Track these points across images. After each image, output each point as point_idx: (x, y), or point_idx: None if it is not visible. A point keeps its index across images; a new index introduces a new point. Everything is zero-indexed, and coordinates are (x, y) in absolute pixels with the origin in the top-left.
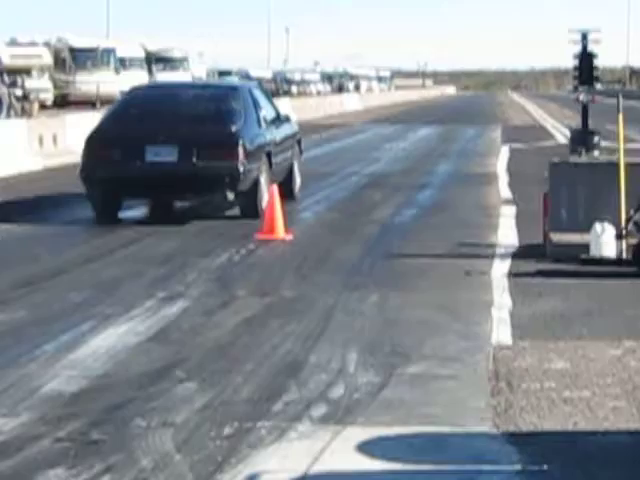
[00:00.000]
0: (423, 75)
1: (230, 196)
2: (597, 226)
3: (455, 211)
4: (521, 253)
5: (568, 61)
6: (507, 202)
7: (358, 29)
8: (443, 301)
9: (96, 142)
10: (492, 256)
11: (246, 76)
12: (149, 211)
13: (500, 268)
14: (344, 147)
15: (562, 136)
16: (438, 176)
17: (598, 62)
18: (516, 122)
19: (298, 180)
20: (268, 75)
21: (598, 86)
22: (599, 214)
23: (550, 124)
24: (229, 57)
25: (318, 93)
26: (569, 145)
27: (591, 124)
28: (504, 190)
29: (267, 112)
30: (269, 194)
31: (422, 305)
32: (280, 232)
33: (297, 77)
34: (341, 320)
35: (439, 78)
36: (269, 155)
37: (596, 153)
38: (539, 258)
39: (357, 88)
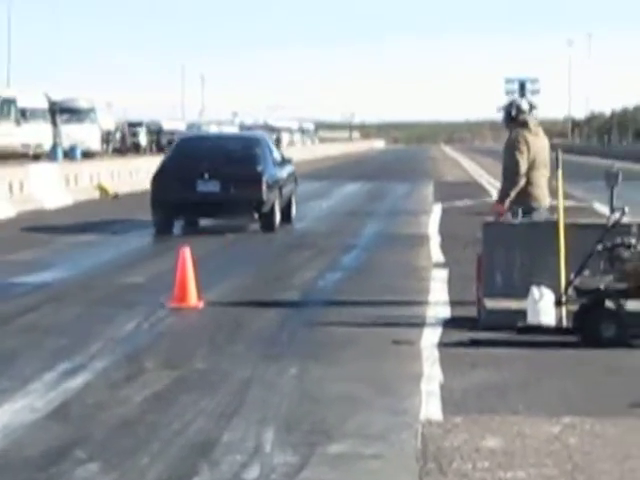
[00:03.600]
0: (350, 127)
1: (255, 216)
2: (534, 291)
3: (383, 275)
4: (453, 321)
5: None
6: (439, 265)
7: (279, 77)
8: (368, 373)
9: (160, 177)
10: (422, 324)
11: (159, 128)
12: (51, 272)
13: (430, 337)
14: None
15: (496, 192)
16: (365, 237)
17: (538, 113)
18: (449, 178)
19: (294, 207)
20: (182, 127)
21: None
22: (537, 278)
23: (485, 180)
24: (140, 107)
25: None
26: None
27: None
28: (435, 252)
29: (276, 155)
30: (180, 258)
31: (345, 378)
32: (192, 299)
33: (214, 129)
34: (257, 395)
35: (367, 130)
36: (280, 188)
37: (536, 215)
38: (472, 326)
39: (278, 142)
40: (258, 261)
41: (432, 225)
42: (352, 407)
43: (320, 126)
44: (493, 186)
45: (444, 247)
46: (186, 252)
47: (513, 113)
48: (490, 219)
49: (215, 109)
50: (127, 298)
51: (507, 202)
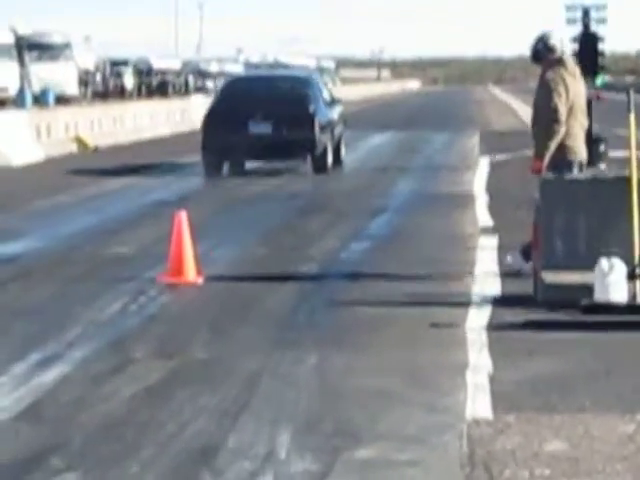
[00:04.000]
0: (378, 65)
1: (308, 158)
2: (603, 262)
3: (419, 244)
4: (505, 299)
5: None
6: (487, 231)
7: (293, 4)
8: (402, 363)
9: (211, 120)
10: (467, 303)
11: (148, 67)
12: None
13: (477, 319)
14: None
15: None
16: (397, 197)
17: (604, 47)
18: (499, 126)
19: (344, 148)
20: (176, 66)
21: (605, 78)
22: (606, 247)
23: None
24: (125, 42)
25: None
26: None
27: (595, 128)
28: (483, 215)
29: (326, 95)
30: (175, 225)
31: (375, 369)
32: (190, 274)
33: (214, 68)
34: (269, 390)
35: (399, 69)
36: (332, 129)
37: (602, 166)
38: (528, 305)
39: None
40: (269, 227)
41: (478, 183)
42: (383, 404)
43: (342, 64)
44: None
45: (493, 209)
46: (182, 217)
47: (540, 49)
48: (549, 176)
49: (215, 44)
50: (111, 273)
51: (547, 157)
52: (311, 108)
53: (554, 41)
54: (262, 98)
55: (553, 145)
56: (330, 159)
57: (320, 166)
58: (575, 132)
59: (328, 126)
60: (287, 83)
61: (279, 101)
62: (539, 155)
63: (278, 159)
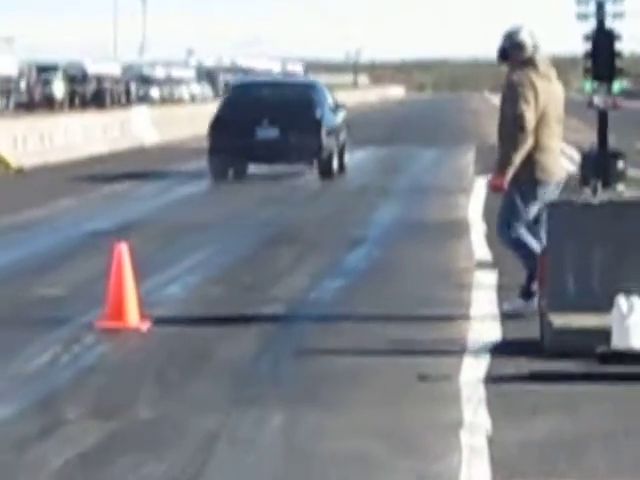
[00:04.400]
0: (355, 69)
1: (314, 162)
2: (622, 302)
3: (404, 281)
4: (505, 346)
5: (576, 45)
6: (484, 266)
7: (253, 1)
8: (385, 423)
9: (218, 125)
10: (461, 351)
11: (82, 73)
12: None
13: (473, 370)
14: (236, 182)
15: (568, 161)
16: (378, 226)
17: (622, 46)
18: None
19: (347, 154)
20: (114, 71)
21: (623, 83)
22: (625, 283)
23: None
24: (55, 44)
25: (193, 98)
26: (579, 175)
27: (612, 142)
28: (479, 247)
29: (331, 101)
30: (115, 259)
31: (352, 430)
32: (132, 318)
33: (160, 73)
34: (227, 455)
35: (379, 73)
36: (337, 134)
37: (621, 187)
38: (534, 353)
39: None
40: (227, 261)
41: (474, 208)
42: (362, 471)
43: (313, 67)
44: (562, 152)
45: (491, 239)
46: (122, 250)
47: (507, 46)
48: (557, 199)
49: (163, 45)
50: (39, 318)
51: (510, 172)
52: (317, 114)
53: (523, 37)
54: (268, 104)
55: (517, 158)
56: (335, 163)
57: (326, 170)
58: (547, 145)
59: (333, 131)
60: (293, 89)
61: (286, 107)
62: (500, 170)
63: (284, 163)
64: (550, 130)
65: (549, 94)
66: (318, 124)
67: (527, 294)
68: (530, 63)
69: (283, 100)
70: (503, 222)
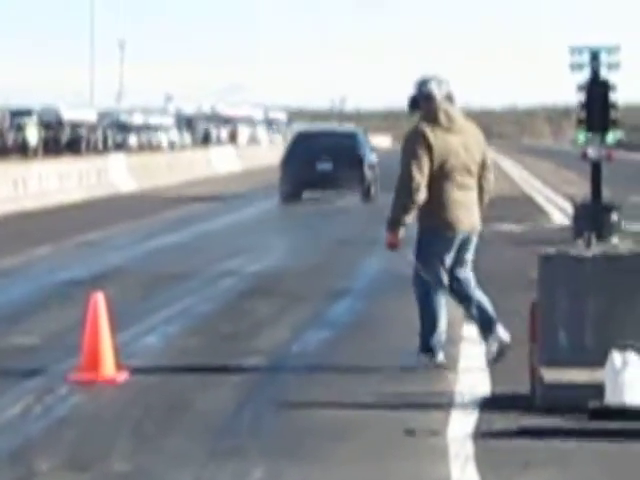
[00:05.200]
0: (340, 117)
1: (358, 190)
2: (616, 357)
3: (389, 334)
4: (495, 401)
5: (570, 96)
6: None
7: (236, 47)
8: (371, 479)
9: (289, 161)
10: (449, 406)
11: (57, 119)
12: None
13: (461, 425)
14: (213, 232)
15: (561, 213)
16: (363, 277)
17: (617, 97)
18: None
19: (376, 187)
20: (91, 117)
21: (618, 134)
22: (619, 338)
23: (542, 194)
24: (28, 89)
25: (171, 146)
26: (572, 228)
27: (606, 194)
28: None
29: (368, 145)
30: (91, 308)
31: None
32: (108, 369)
33: (138, 120)
34: None
35: (365, 122)
36: (373, 169)
37: (615, 240)
38: (524, 408)
39: (233, 138)
40: (204, 312)
41: None
42: None
43: (296, 115)
44: (554, 204)
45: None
46: (98, 300)
47: (417, 96)
48: (550, 252)
49: (140, 92)
50: (11, 368)
51: (401, 230)
52: (361, 153)
53: (431, 87)
54: (324, 145)
55: (406, 217)
56: (373, 190)
57: (366, 195)
58: (448, 197)
59: (371, 167)
60: (342, 134)
61: (337, 148)
62: (390, 227)
63: (336, 189)
64: (452, 182)
65: (448, 145)
66: (361, 160)
67: (427, 349)
68: (430, 115)
69: (335, 143)
70: (415, 274)
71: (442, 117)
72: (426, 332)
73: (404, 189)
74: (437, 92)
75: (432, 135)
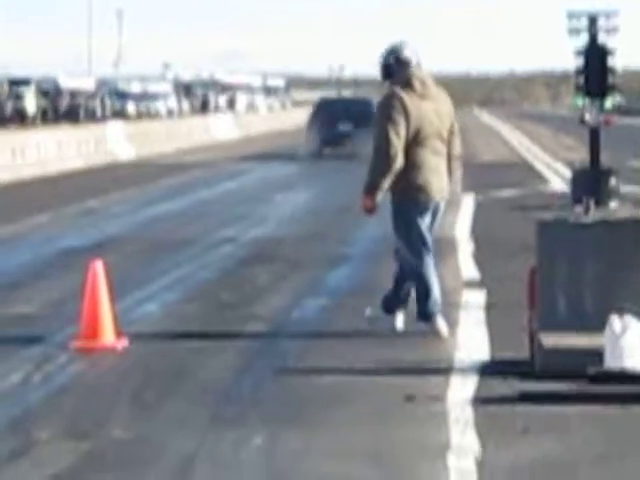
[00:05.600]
0: (338, 85)
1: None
2: (615, 322)
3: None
4: (495, 366)
5: (568, 61)
6: (472, 285)
7: (231, 14)
8: (370, 445)
9: (314, 122)
10: (448, 371)
11: (55, 88)
12: None
13: (461, 390)
14: (212, 199)
15: (560, 179)
16: (361, 243)
17: (615, 62)
18: (487, 157)
19: None
20: (89, 85)
21: (616, 99)
22: (618, 302)
23: (540, 160)
24: (27, 58)
25: (170, 114)
26: (570, 193)
27: (605, 159)
28: (467, 266)
29: None
30: (90, 277)
31: (336, 452)
32: (108, 336)
33: (136, 88)
34: (205, 477)
35: (363, 89)
36: None
37: (613, 205)
38: (524, 374)
39: (231, 105)
40: (203, 280)
41: (461, 226)
42: None
43: (294, 83)
44: (552, 169)
45: (479, 258)
46: (97, 268)
47: (391, 63)
48: (548, 217)
49: (138, 60)
50: (10, 336)
51: (379, 194)
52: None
53: (408, 54)
54: (344, 110)
55: (384, 182)
56: None
57: None
58: (422, 162)
59: None
60: (358, 101)
61: (355, 111)
62: (368, 191)
63: (354, 147)
64: (425, 148)
65: (422, 112)
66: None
67: (389, 306)
68: (404, 81)
69: (353, 107)
70: (395, 243)
71: (417, 83)
72: (421, 299)
73: (382, 154)
74: (414, 58)
75: (409, 101)
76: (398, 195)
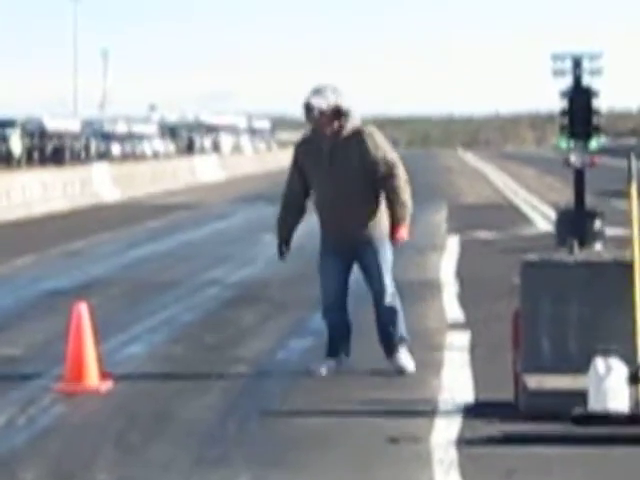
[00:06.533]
0: None
1: None
2: (599, 363)
3: (373, 343)
4: (479, 408)
5: (553, 102)
6: (456, 326)
7: (219, 53)
8: None
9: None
10: (432, 413)
11: (40, 129)
12: None
13: (445, 431)
14: (196, 241)
15: (545, 220)
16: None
17: (600, 103)
18: (472, 198)
19: None
20: (74, 127)
21: (601, 141)
22: (602, 343)
23: (525, 201)
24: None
25: (155, 155)
26: (555, 234)
27: (589, 201)
28: (452, 307)
29: None
30: (74, 319)
31: None
32: (92, 378)
33: (121, 129)
34: None
35: None
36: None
37: (598, 246)
38: (508, 415)
39: (217, 147)
40: (188, 321)
41: (446, 267)
42: None
43: (280, 124)
44: (537, 210)
45: (464, 299)
46: (81, 310)
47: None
48: (533, 258)
49: (124, 100)
50: None
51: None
52: None
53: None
54: None
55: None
56: None
57: None
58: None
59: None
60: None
61: None
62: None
63: None
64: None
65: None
66: None
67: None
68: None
69: None
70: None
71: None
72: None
73: (406, 185)
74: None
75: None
76: (387, 239)
